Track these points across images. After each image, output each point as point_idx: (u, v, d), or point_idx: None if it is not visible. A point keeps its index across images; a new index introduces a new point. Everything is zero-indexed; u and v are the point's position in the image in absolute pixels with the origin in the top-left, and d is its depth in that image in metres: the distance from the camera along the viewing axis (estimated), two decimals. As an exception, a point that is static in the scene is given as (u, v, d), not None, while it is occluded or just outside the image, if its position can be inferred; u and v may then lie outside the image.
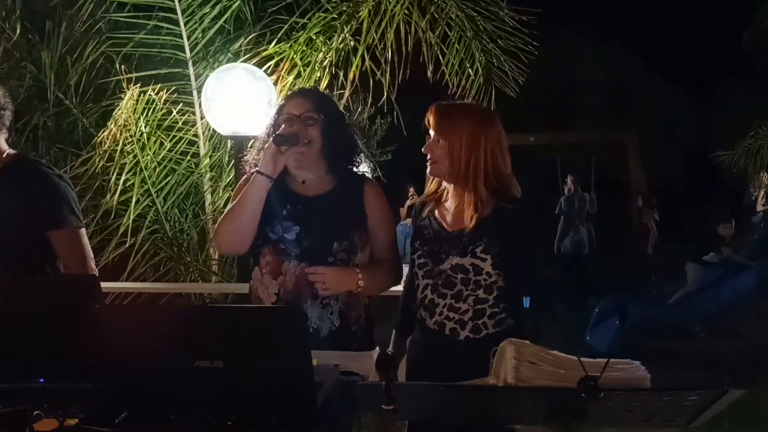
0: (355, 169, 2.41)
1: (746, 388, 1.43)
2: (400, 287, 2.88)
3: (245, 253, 2.37)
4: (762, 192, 8.26)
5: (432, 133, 2.29)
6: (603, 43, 16.24)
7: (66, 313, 1.72)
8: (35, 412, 1.60)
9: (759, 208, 9.04)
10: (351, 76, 4.21)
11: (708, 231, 8.78)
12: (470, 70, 4.42)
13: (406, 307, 2.45)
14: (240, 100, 3.48)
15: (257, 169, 2.26)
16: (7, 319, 1.73)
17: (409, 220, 11.88)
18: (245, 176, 2.42)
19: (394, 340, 2.45)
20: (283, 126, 2.29)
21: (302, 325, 1.59)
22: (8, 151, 2.55)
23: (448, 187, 2.33)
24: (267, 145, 2.26)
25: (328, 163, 2.36)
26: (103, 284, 2.73)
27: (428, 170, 2.32)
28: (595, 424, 1.86)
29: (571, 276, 9.69)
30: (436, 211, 2.34)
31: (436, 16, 4.28)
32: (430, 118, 2.30)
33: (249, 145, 2.51)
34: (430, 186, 2.39)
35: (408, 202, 12.03)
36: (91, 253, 2.55)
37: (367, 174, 2.50)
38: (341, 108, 2.55)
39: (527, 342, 1.55)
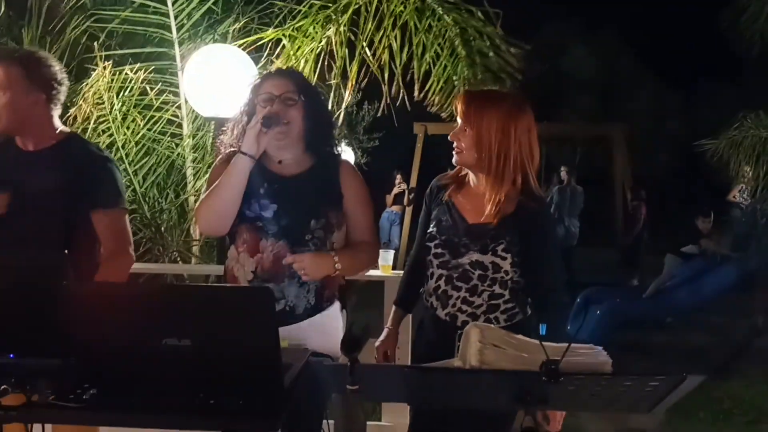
0: (330, 150, 2.42)
1: (707, 375, 1.45)
2: (376, 272, 2.91)
3: (226, 233, 2.37)
4: (740, 186, 8.34)
5: (459, 120, 2.24)
6: (589, 35, 16.27)
7: (35, 290, 1.72)
8: (2, 387, 1.60)
9: (730, 197, 9.14)
10: (351, 67, 4.18)
11: (688, 224, 8.87)
12: (456, 82, 4.38)
13: (409, 283, 2.47)
14: (222, 82, 3.46)
15: (240, 149, 2.24)
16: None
17: (395, 207, 11.90)
18: (220, 157, 2.42)
19: (394, 315, 2.47)
20: (267, 107, 2.27)
21: (270, 305, 1.59)
22: (61, 128, 2.54)
23: (473, 176, 2.29)
24: (251, 125, 2.23)
25: (306, 143, 2.36)
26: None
27: (453, 159, 2.27)
28: (558, 408, 1.89)
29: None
30: (456, 198, 2.31)
31: (432, 24, 4.25)
32: (459, 106, 2.24)
33: (222, 131, 2.48)
34: (455, 169, 2.36)
35: (395, 190, 12.02)
36: (131, 238, 2.56)
37: (349, 159, 2.50)
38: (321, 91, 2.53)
39: (492, 326, 1.57)
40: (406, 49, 4.13)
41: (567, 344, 1.43)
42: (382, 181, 11.64)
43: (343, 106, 4.01)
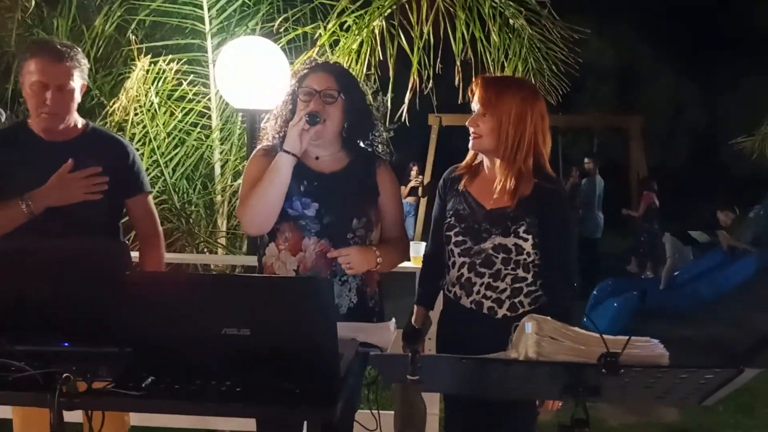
0: (368, 147, 2.42)
1: (762, 368, 1.47)
2: (409, 264, 2.93)
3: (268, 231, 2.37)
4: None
5: (477, 106, 2.26)
6: (609, 25, 16.15)
7: (97, 278, 1.75)
8: (64, 375, 1.64)
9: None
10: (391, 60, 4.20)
11: (703, 216, 8.85)
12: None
13: (429, 280, 2.47)
14: (254, 74, 3.47)
15: (282, 147, 2.24)
16: (39, 283, 1.76)
17: (410, 199, 11.90)
18: (257, 149, 2.43)
19: (418, 314, 2.45)
20: (307, 101, 2.27)
21: (329, 296, 1.62)
22: (81, 119, 2.56)
23: (488, 162, 2.31)
24: (294, 122, 2.23)
25: (343, 140, 2.38)
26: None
27: (471, 144, 2.29)
28: (610, 399, 1.91)
29: (587, 259, 9.68)
30: (471, 187, 2.33)
31: (484, 16, 4.28)
32: (477, 91, 2.26)
33: (266, 118, 2.49)
34: (467, 158, 2.37)
35: (411, 183, 12.01)
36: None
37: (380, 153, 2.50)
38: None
39: (548, 318, 1.58)
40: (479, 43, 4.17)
41: (627, 337, 1.45)
42: (397, 173, 11.63)
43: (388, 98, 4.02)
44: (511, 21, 4.38)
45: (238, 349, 1.63)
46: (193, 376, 1.66)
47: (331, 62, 3.28)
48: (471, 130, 2.27)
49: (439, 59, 4.27)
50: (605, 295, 7.63)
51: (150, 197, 2.66)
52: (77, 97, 2.47)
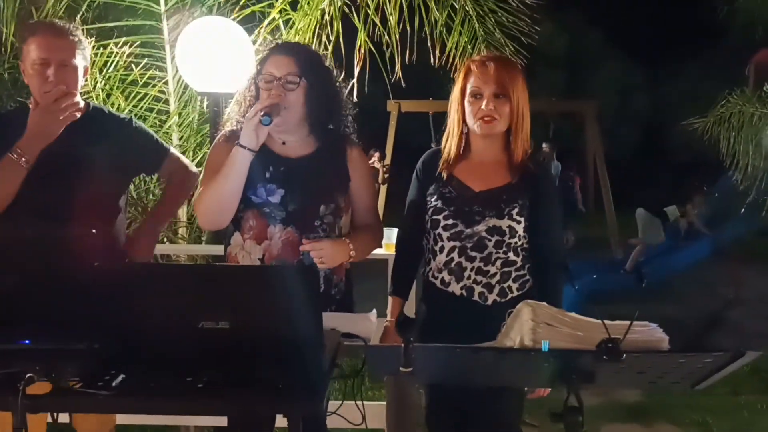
0: (337, 130, 2.32)
1: (762, 350, 1.44)
2: (380, 250, 2.85)
3: (226, 226, 2.27)
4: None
5: (488, 89, 2.17)
6: (563, 11, 16.27)
7: (61, 269, 1.63)
8: (27, 375, 1.52)
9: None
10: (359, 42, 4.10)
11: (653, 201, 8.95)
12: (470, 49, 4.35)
13: (405, 268, 2.39)
14: (217, 56, 3.33)
15: (239, 142, 2.12)
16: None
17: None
18: (219, 136, 2.32)
19: (394, 307, 2.37)
20: (266, 95, 2.15)
21: (315, 283, 1.54)
22: (82, 101, 2.41)
23: (482, 144, 2.25)
24: (249, 116, 2.11)
25: (309, 125, 2.27)
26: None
27: (482, 128, 2.20)
28: (604, 386, 1.88)
29: None
30: (456, 170, 2.27)
31: None
32: (490, 73, 2.17)
33: (229, 103, 2.38)
34: (450, 142, 2.28)
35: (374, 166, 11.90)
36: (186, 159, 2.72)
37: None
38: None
39: (544, 303, 1.53)
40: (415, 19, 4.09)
41: (628, 322, 1.40)
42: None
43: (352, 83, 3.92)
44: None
45: (217, 343, 1.54)
46: (168, 372, 1.56)
47: (292, 43, 3.17)
48: (483, 113, 2.18)
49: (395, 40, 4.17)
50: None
51: (172, 150, 2.65)
52: (80, 78, 2.35)
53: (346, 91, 2.51)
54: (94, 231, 1.66)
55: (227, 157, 2.15)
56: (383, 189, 11.14)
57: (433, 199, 2.26)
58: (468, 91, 2.21)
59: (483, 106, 2.17)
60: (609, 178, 10.35)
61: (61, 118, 2.24)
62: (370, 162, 11.76)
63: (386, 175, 10.98)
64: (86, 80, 2.45)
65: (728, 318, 6.90)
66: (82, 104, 2.37)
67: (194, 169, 2.71)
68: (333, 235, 2.23)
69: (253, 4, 4.10)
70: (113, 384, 1.54)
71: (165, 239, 4.41)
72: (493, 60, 2.23)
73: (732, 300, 7.35)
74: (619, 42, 17.24)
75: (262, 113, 2.08)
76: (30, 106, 2.34)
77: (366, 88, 4.20)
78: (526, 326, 1.48)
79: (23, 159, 2.22)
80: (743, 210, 6.74)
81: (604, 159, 10.76)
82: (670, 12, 16.51)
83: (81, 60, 2.36)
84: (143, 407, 1.61)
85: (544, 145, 10.48)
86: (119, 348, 1.60)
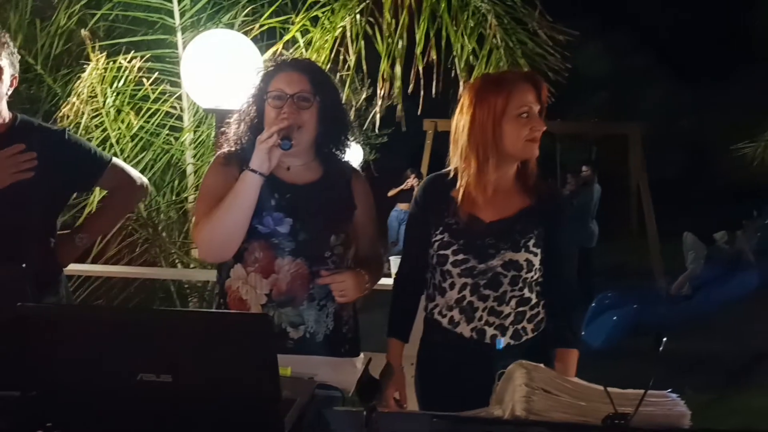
0: (341, 155, 2.13)
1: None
2: (388, 280, 2.63)
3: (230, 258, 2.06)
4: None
5: (536, 108, 1.96)
6: (608, 30, 15.93)
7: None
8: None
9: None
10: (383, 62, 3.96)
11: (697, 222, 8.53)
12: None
13: (405, 308, 2.14)
14: (224, 71, 3.16)
15: (249, 167, 1.92)
16: None
17: (403, 206, 11.53)
18: (216, 157, 2.11)
19: (394, 349, 2.09)
20: (274, 114, 1.96)
21: (269, 333, 1.32)
22: (8, 112, 2.21)
23: (498, 168, 1.99)
24: (263, 138, 1.90)
25: (317, 148, 2.07)
26: (70, 266, 2.47)
27: (529, 151, 1.98)
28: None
29: (581, 270, 9.39)
30: (460, 197, 2.00)
31: (458, 18, 4.03)
32: (536, 91, 1.97)
33: (228, 120, 2.17)
34: (473, 172, 1.99)
35: (401, 186, 11.66)
36: (134, 171, 2.48)
37: (358, 157, 2.21)
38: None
39: (541, 365, 1.28)
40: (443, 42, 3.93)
41: (641, 391, 1.14)
42: (391, 179, 11.33)
43: (361, 101, 3.75)
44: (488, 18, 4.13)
45: (158, 397, 1.32)
46: (104, 428, 1.36)
47: (301, 59, 2.98)
48: (534, 134, 1.95)
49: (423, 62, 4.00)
50: (603, 308, 7.33)
51: (114, 161, 2.42)
52: (5, 84, 2.12)
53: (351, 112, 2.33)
54: (24, 266, 1.46)
55: (226, 183, 1.97)
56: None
57: (438, 232, 2.02)
58: (513, 111, 1.94)
59: (534, 127, 1.95)
60: (653, 203, 9.96)
61: (11, 174, 2.03)
62: (407, 183, 11.56)
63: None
64: (11, 90, 2.20)
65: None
66: (8, 116, 2.17)
67: (143, 181, 2.49)
68: (343, 266, 2.05)
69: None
70: (42, 436, 1.35)
71: (178, 262, 4.27)
72: (538, 78, 2.03)
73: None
74: (666, 63, 16.81)
75: (280, 136, 1.89)
76: None
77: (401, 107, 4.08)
78: (519, 392, 1.23)
79: None
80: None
81: (647, 182, 10.40)
82: (718, 33, 16.06)
83: (8, 65, 2.13)
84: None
85: (584, 167, 10.09)
86: (55, 398, 1.41)
